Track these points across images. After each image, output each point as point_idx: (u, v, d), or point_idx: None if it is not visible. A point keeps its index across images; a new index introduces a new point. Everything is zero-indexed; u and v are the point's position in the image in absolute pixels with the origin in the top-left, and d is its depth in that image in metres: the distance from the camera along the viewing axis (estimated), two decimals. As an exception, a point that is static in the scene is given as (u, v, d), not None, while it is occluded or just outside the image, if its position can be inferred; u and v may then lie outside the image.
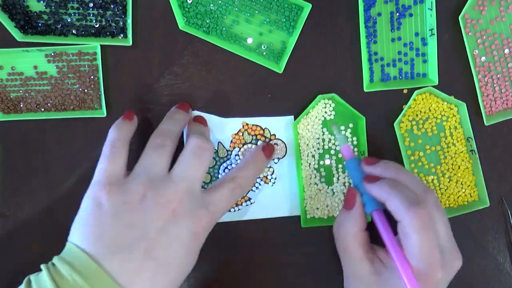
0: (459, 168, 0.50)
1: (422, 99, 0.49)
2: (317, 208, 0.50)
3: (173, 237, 0.37)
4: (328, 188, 0.50)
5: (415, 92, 0.48)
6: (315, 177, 0.49)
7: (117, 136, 0.42)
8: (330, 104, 0.49)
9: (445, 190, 0.50)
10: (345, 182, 0.50)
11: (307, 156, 0.49)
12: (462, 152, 0.50)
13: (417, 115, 0.50)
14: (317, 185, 0.49)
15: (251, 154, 0.46)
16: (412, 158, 0.50)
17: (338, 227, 0.43)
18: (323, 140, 0.49)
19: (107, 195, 0.38)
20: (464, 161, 0.50)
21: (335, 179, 0.50)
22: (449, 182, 0.50)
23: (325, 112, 0.49)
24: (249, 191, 0.50)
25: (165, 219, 0.37)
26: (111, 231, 0.37)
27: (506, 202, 0.51)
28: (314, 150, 0.49)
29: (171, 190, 0.38)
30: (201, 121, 0.47)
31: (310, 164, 0.49)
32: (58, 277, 0.35)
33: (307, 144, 0.49)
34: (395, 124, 0.49)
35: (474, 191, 0.51)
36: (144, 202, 0.38)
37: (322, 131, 0.49)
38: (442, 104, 0.50)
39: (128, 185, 0.39)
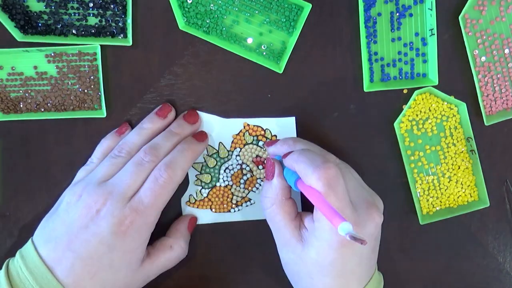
0: (459, 168, 0.50)
1: (422, 99, 0.49)
2: None
3: (92, 235, 0.41)
4: None
5: (415, 92, 0.48)
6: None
7: (97, 152, 0.48)
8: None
9: (445, 190, 0.50)
10: None
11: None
12: (462, 152, 0.50)
13: (417, 115, 0.50)
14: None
15: (181, 142, 0.46)
16: (412, 158, 0.50)
17: (263, 199, 0.45)
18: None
19: (65, 197, 0.44)
20: (464, 161, 0.50)
21: None
22: (449, 182, 0.50)
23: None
24: (250, 191, 0.50)
25: (89, 218, 0.42)
26: (51, 225, 0.43)
27: (510, 184, 0.51)
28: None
29: (99, 193, 0.42)
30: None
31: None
32: (11, 261, 0.43)
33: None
34: (395, 124, 0.49)
35: (474, 191, 0.51)
36: (78, 203, 0.43)
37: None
38: (442, 104, 0.50)
39: (75, 187, 0.44)
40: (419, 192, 0.50)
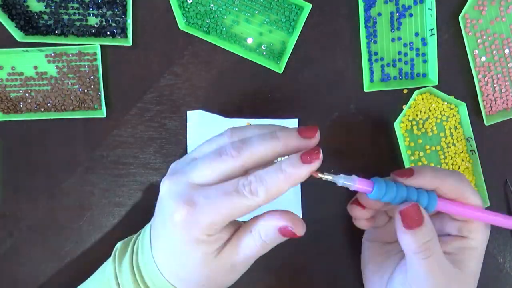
0: (459, 168, 0.50)
1: (422, 99, 0.49)
2: None
3: (155, 216, 0.39)
4: None
5: (415, 92, 0.48)
6: None
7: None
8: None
9: None
10: None
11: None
12: (462, 152, 0.50)
13: (417, 115, 0.50)
14: None
15: (283, 160, 0.35)
16: (412, 158, 0.50)
17: (418, 247, 0.37)
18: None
19: None
20: (464, 161, 0.50)
21: None
22: None
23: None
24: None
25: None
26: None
27: (510, 184, 0.51)
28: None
29: (169, 174, 0.39)
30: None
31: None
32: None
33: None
34: (395, 124, 0.49)
35: None
36: None
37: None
38: (442, 104, 0.50)
39: None
40: None
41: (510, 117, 0.50)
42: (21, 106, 0.49)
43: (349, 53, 0.49)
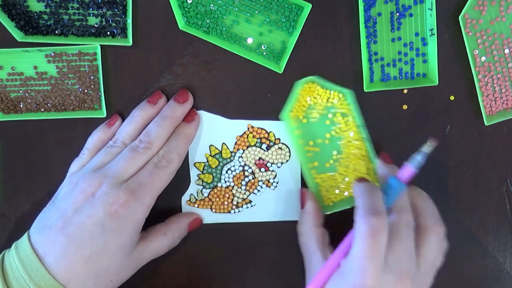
0: (354, 156, 0.49)
1: (309, 90, 0.48)
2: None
3: (87, 216, 0.42)
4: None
5: (299, 83, 0.47)
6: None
7: (88, 143, 0.48)
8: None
9: (343, 179, 0.49)
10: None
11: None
12: (357, 140, 0.49)
13: (305, 105, 0.49)
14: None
15: (174, 130, 0.47)
16: (306, 149, 0.49)
17: (298, 225, 0.48)
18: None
19: (62, 188, 0.45)
20: (361, 149, 0.49)
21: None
22: (346, 171, 0.49)
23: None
24: (251, 193, 0.50)
25: (83, 201, 0.42)
26: (47, 214, 0.44)
27: (510, 184, 0.51)
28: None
29: (94, 177, 0.43)
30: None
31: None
32: (6, 253, 0.43)
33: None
34: (283, 117, 0.48)
35: (374, 180, 0.49)
36: (74, 189, 0.43)
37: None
38: (331, 93, 0.49)
39: (71, 178, 0.45)
40: (318, 183, 0.50)
41: (510, 117, 0.50)
42: (21, 106, 0.49)
43: (349, 53, 0.49)
